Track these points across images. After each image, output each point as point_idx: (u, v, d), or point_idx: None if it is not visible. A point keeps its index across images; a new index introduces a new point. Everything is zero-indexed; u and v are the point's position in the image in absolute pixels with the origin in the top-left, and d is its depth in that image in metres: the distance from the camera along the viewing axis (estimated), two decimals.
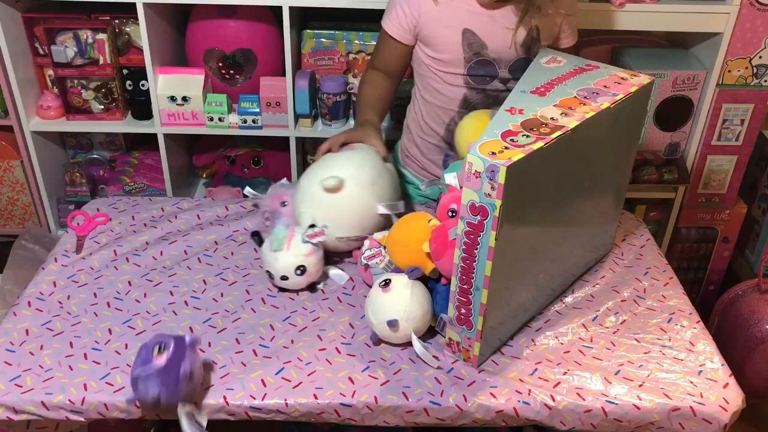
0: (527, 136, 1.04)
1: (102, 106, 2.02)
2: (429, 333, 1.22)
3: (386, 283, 1.17)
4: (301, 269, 1.27)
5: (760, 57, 1.89)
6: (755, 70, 1.91)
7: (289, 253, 1.27)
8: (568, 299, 1.33)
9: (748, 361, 1.90)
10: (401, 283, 1.17)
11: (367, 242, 1.30)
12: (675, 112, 1.97)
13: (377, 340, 1.20)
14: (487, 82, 1.49)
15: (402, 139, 1.70)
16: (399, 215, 1.32)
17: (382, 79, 1.57)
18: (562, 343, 1.22)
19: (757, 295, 1.95)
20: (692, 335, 1.24)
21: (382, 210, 1.34)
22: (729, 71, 1.91)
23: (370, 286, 1.24)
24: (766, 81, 1.93)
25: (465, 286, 1.11)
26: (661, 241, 2.17)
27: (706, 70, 1.91)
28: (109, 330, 1.22)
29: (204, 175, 2.26)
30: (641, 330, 1.25)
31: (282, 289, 1.31)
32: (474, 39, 1.44)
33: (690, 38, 2.01)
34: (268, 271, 1.30)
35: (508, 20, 1.44)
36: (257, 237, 1.41)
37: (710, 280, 2.26)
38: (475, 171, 1.00)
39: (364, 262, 1.28)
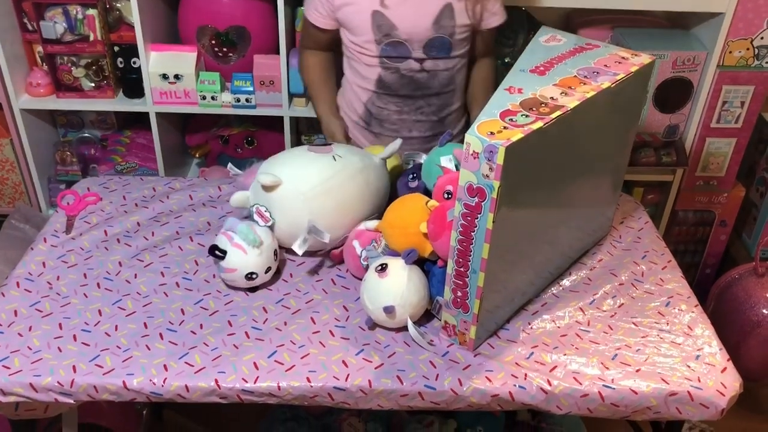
0: (526, 116, 1.02)
1: (93, 84, 1.99)
2: (425, 316, 1.20)
3: (383, 267, 1.15)
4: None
5: (762, 38, 1.86)
6: (756, 51, 1.88)
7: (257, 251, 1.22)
8: (566, 282, 1.31)
9: (744, 345, 1.90)
10: (398, 268, 1.15)
11: (355, 243, 1.26)
12: (674, 94, 1.95)
13: (372, 325, 1.18)
14: (401, 62, 1.50)
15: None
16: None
17: (319, 58, 1.64)
18: (558, 327, 1.21)
19: (754, 278, 1.94)
20: (690, 319, 1.23)
21: (295, 247, 1.24)
22: (730, 52, 1.88)
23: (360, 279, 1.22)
24: (767, 62, 1.90)
25: (461, 269, 1.09)
26: (659, 223, 2.16)
27: (706, 51, 1.88)
28: (99, 311, 1.20)
29: (197, 155, 2.23)
30: (639, 314, 1.24)
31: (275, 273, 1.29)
32: (383, 20, 1.44)
33: (691, 18, 1.98)
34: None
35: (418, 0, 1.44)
36: (218, 250, 1.22)
37: (707, 264, 2.25)
38: (473, 151, 0.97)
39: (365, 263, 1.24)
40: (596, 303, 1.26)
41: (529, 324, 1.21)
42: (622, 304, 1.26)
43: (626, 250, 1.40)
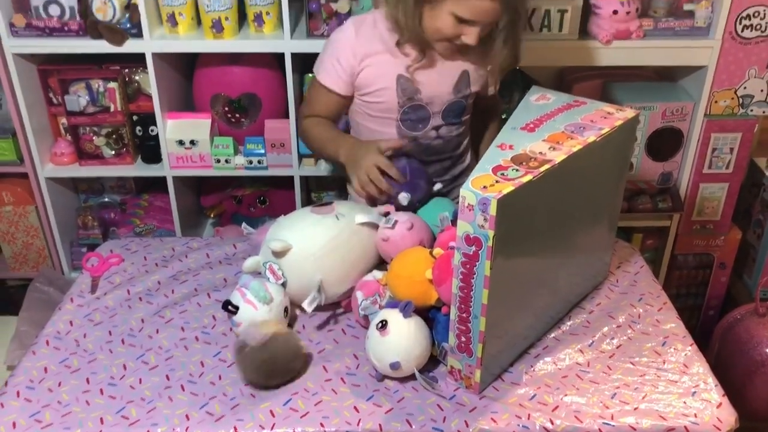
0: (517, 170, 1.11)
1: (113, 152, 2.10)
2: (431, 361, 1.26)
3: (383, 325, 1.19)
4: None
5: (745, 88, 1.96)
6: (741, 100, 1.98)
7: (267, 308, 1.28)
8: (565, 326, 1.37)
9: (749, 385, 1.93)
10: (398, 323, 1.19)
11: (358, 293, 1.32)
12: (666, 143, 2.03)
13: (381, 377, 1.23)
14: (420, 129, 1.54)
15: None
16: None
17: (322, 119, 1.57)
18: (560, 369, 1.26)
19: (755, 318, 1.98)
20: (686, 357, 1.29)
21: (305, 305, 1.30)
22: (716, 102, 1.98)
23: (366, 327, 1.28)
24: (751, 110, 2.00)
25: (464, 315, 1.16)
26: (659, 268, 2.22)
27: (693, 102, 1.98)
28: (124, 366, 1.27)
29: (212, 215, 2.33)
30: (636, 354, 1.29)
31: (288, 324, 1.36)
32: (407, 84, 1.49)
33: (677, 72, 2.09)
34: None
35: (441, 64, 1.50)
36: (230, 305, 1.29)
37: (709, 306, 2.29)
38: (468, 204, 1.06)
39: (363, 313, 1.30)
40: (595, 345, 1.32)
41: (532, 366, 1.27)
42: (620, 345, 1.32)
43: (623, 294, 1.47)
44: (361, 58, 1.47)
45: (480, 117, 1.70)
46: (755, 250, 2.22)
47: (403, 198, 1.42)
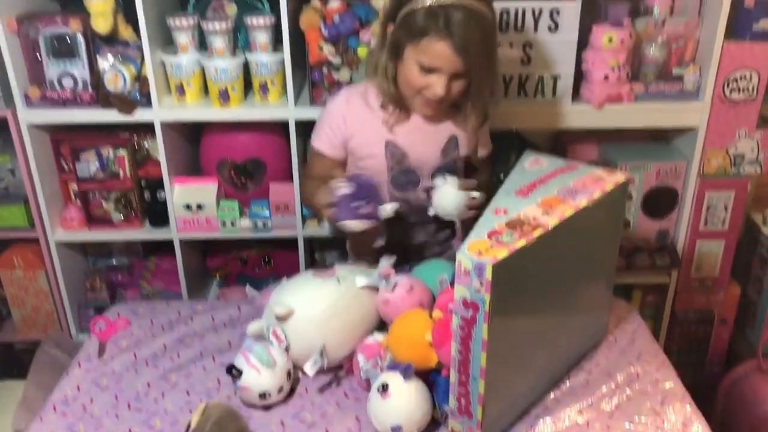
0: (511, 235, 1.15)
1: (122, 216, 2.15)
2: (433, 424, 1.27)
3: (384, 388, 1.21)
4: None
5: (736, 147, 2.01)
6: (733, 159, 2.03)
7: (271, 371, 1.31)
8: (565, 385, 1.39)
9: None
10: (399, 386, 1.21)
11: (360, 356, 1.34)
12: (661, 201, 2.08)
13: None
14: (410, 191, 1.58)
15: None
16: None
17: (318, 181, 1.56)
18: (560, 429, 1.28)
19: (759, 375, 1.99)
20: (685, 417, 1.30)
21: (307, 369, 1.33)
22: (708, 161, 2.03)
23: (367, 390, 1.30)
24: (743, 169, 2.04)
25: (463, 378, 1.18)
26: (660, 325, 2.23)
27: (686, 161, 2.03)
28: (130, 430, 1.29)
29: (217, 276, 2.37)
30: (636, 413, 1.31)
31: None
32: (395, 149, 1.55)
33: (670, 132, 2.15)
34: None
35: (428, 129, 1.56)
36: (234, 369, 1.32)
37: (713, 362, 2.30)
38: (465, 269, 1.09)
39: (365, 376, 1.32)
40: (595, 405, 1.33)
41: (532, 427, 1.28)
42: (619, 404, 1.33)
43: (621, 353, 1.49)
44: (351, 125, 1.55)
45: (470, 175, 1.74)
46: (756, 305, 2.23)
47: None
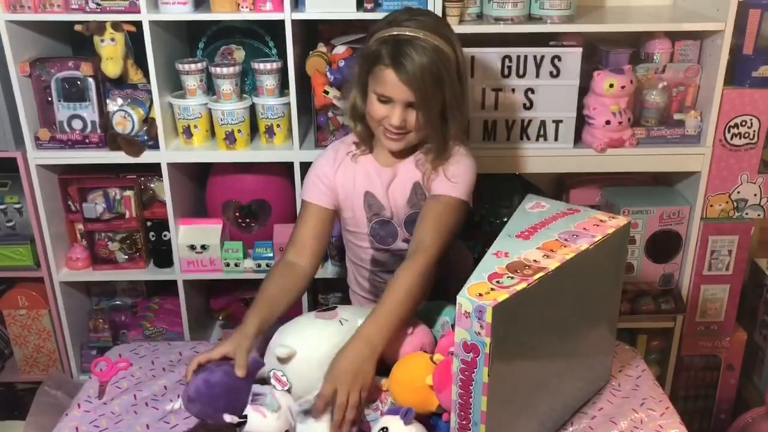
0: (512, 278, 1.15)
1: (126, 256, 2.16)
2: None
3: None
4: None
5: (738, 192, 2.02)
6: (735, 204, 2.03)
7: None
8: None
9: None
10: (399, 430, 1.19)
11: None
12: (665, 245, 2.08)
13: None
14: (390, 243, 1.61)
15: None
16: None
17: (287, 276, 1.51)
18: None
19: (767, 422, 1.96)
20: None
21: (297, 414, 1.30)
22: (711, 206, 2.03)
23: None
24: (746, 213, 2.05)
25: (464, 422, 1.17)
26: (666, 370, 2.21)
27: (689, 206, 2.04)
28: None
29: (221, 317, 2.36)
30: None
31: None
32: (373, 201, 1.57)
33: (673, 176, 2.16)
34: None
35: (398, 179, 1.57)
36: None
37: (720, 408, 2.26)
38: (465, 311, 1.09)
39: (365, 420, 1.30)
40: None
41: None
42: None
43: (625, 398, 1.47)
44: (337, 175, 1.57)
45: None
46: (763, 351, 2.21)
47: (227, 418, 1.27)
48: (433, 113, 1.47)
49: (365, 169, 1.58)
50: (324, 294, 2.30)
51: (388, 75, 1.41)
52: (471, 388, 1.13)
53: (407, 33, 1.40)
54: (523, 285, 1.13)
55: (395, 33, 1.41)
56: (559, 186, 2.24)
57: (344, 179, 1.58)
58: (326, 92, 1.89)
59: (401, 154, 1.56)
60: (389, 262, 1.63)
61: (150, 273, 2.17)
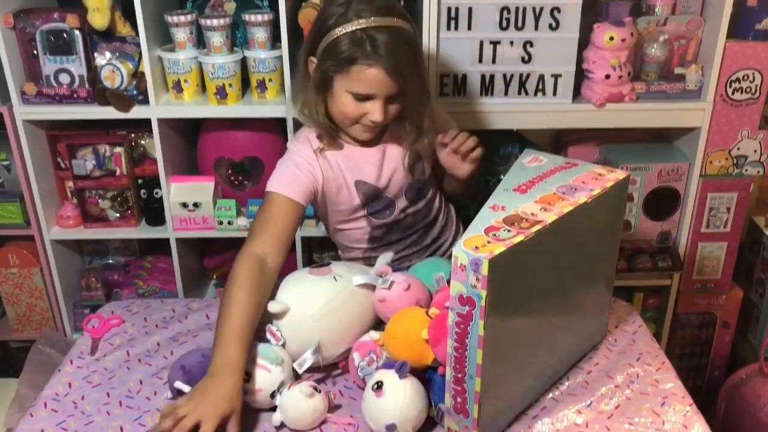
0: (508, 231, 1.13)
1: (118, 214, 2.14)
2: (428, 423, 1.25)
3: (379, 386, 1.19)
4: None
5: (738, 148, 2.00)
6: (735, 160, 2.01)
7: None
8: (563, 386, 1.36)
9: None
10: (394, 384, 1.18)
11: (355, 354, 1.32)
12: (663, 202, 2.06)
13: None
14: (388, 215, 1.58)
15: None
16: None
17: (259, 283, 1.34)
18: (558, 429, 1.25)
19: (761, 379, 1.96)
20: (685, 418, 1.27)
21: (296, 366, 1.30)
22: (710, 162, 2.01)
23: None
24: (746, 170, 2.02)
25: (459, 375, 1.16)
26: (662, 327, 2.21)
27: (688, 162, 2.01)
28: (121, 428, 1.27)
29: (214, 276, 2.35)
30: (635, 414, 1.28)
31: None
32: (366, 186, 1.54)
33: (672, 132, 2.13)
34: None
35: (390, 153, 1.54)
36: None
37: (715, 366, 2.27)
38: (461, 264, 1.07)
39: (362, 374, 1.30)
40: (594, 405, 1.31)
41: (530, 428, 1.26)
42: (619, 405, 1.31)
43: (621, 353, 1.46)
44: (319, 171, 1.51)
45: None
46: (758, 309, 2.21)
47: None
48: (416, 96, 1.44)
49: (349, 157, 1.52)
50: (318, 253, 2.28)
51: (371, 74, 1.35)
52: (466, 341, 1.12)
53: (372, 24, 1.34)
54: (521, 238, 1.11)
55: (363, 27, 1.34)
56: (556, 143, 2.21)
57: (329, 175, 1.52)
58: None
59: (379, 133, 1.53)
60: (386, 235, 1.61)
61: (142, 231, 2.14)
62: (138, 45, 1.90)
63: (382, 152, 1.55)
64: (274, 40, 1.93)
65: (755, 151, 2.00)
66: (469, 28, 1.84)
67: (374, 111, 1.40)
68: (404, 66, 1.37)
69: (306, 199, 1.49)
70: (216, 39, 1.90)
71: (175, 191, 2.08)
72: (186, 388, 1.23)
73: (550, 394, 1.34)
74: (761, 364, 1.97)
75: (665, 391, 1.34)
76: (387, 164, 1.55)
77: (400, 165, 1.56)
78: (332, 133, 1.51)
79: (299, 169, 1.49)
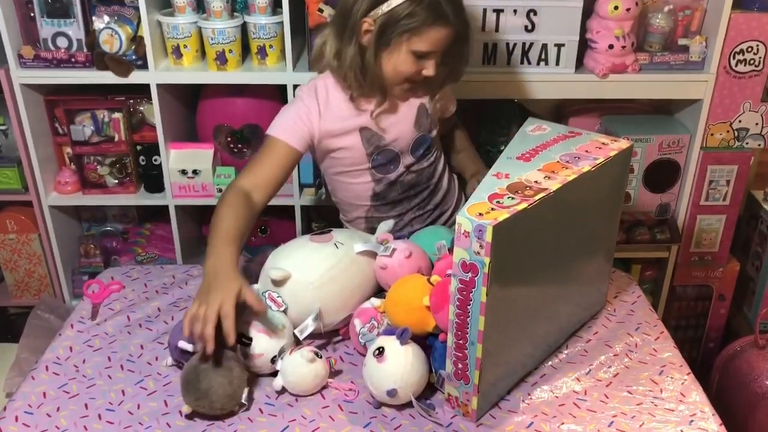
0: (512, 198, 1.12)
1: (116, 181, 2.13)
2: (429, 388, 1.26)
3: (380, 351, 1.20)
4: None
5: (740, 121, 1.99)
6: (736, 133, 2.00)
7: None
8: (563, 354, 1.38)
9: (750, 418, 1.92)
10: (395, 350, 1.19)
11: (356, 321, 1.33)
12: (663, 174, 2.05)
13: (378, 404, 1.24)
14: (392, 170, 1.58)
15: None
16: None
17: (245, 207, 1.40)
18: (557, 397, 1.27)
19: (755, 351, 1.98)
20: (683, 386, 1.29)
21: (297, 333, 1.31)
22: (711, 135, 2.00)
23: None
24: (747, 143, 2.02)
25: (460, 342, 1.16)
26: (659, 299, 2.22)
27: (689, 134, 2.01)
28: (122, 391, 1.28)
29: None
30: (634, 382, 1.30)
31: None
32: (371, 134, 1.53)
33: (673, 104, 2.12)
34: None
35: (398, 107, 1.54)
36: (244, 338, 1.27)
37: (710, 338, 2.29)
38: (465, 231, 1.07)
39: (363, 341, 1.30)
40: (592, 373, 1.32)
41: (529, 395, 1.27)
42: (617, 373, 1.32)
43: (620, 323, 1.47)
44: (323, 118, 1.50)
45: (448, 135, 1.76)
46: (754, 282, 2.22)
47: None
48: (458, 47, 1.49)
49: (355, 104, 1.52)
50: (318, 222, 2.28)
51: (440, 34, 1.40)
52: (469, 308, 1.12)
53: None
54: (524, 205, 1.11)
55: None
56: (557, 114, 2.19)
57: (332, 121, 1.51)
58: (321, 10, 1.81)
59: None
60: (390, 193, 1.60)
61: (141, 198, 2.14)
62: (137, 9, 1.88)
63: (392, 101, 1.54)
64: (275, 6, 1.91)
65: (757, 123, 2.00)
66: None
67: (429, 67, 1.44)
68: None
69: (302, 145, 1.50)
70: (216, 3, 1.87)
71: (174, 158, 2.06)
72: (189, 347, 1.23)
73: (550, 362, 1.35)
74: (756, 336, 1.98)
75: (663, 360, 1.36)
76: (396, 114, 1.55)
77: (408, 118, 1.56)
78: (382, 88, 1.49)
79: (299, 116, 1.50)
